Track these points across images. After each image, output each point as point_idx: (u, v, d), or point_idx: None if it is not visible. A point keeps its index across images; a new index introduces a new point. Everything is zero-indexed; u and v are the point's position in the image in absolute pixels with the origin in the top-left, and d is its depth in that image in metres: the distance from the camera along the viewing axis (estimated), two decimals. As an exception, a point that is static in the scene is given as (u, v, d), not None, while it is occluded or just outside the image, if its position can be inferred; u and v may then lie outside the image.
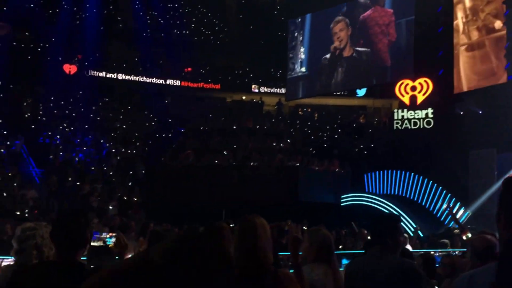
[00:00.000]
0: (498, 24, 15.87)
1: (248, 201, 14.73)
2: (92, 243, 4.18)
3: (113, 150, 18.69)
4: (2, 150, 16.50)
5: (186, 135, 19.98)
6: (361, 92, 24.80)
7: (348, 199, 17.25)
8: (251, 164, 16.92)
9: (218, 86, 25.07)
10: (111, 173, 17.15)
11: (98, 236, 4.44)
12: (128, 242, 3.54)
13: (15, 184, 14.58)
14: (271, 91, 25.69)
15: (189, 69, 24.60)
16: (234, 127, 20.95)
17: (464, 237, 6.24)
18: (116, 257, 3.59)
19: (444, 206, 15.84)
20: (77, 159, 17.68)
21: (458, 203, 15.78)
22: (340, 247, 11.91)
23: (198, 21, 24.68)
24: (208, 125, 20.98)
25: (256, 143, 19.22)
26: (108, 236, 4.42)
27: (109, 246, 3.87)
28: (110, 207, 14.38)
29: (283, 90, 24.10)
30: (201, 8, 24.56)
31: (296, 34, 22.06)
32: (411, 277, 3.01)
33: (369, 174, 18.12)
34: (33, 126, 18.85)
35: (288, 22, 22.44)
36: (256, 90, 25.57)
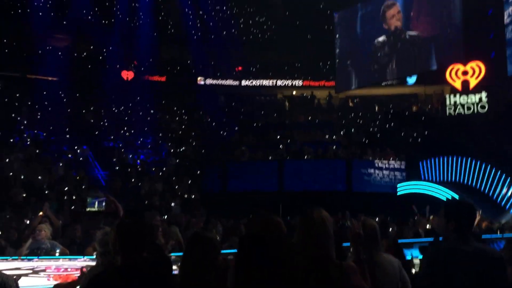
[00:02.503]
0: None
1: (304, 193, 15.15)
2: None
3: (172, 150, 19.48)
4: (69, 156, 17.58)
5: (240, 132, 20.56)
6: (411, 80, 24.56)
7: (404, 187, 17.25)
8: (305, 157, 17.28)
9: (268, 83, 25.58)
10: (170, 172, 17.90)
11: None
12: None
13: (83, 187, 15.53)
14: (321, 84, 25.90)
15: (240, 67, 25.19)
16: (287, 122, 21.33)
17: None
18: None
19: (504, 190, 15.59)
20: (138, 160, 18.55)
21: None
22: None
23: (246, 21, 25.19)
24: (262, 121, 21.47)
25: (309, 136, 19.55)
26: None
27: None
28: (173, 205, 15.11)
29: (332, 83, 24.27)
30: (248, 7, 25.05)
31: (343, 25, 22.14)
32: (498, 265, 3.06)
33: (424, 162, 18.02)
34: (96, 132, 19.90)
35: (334, 14, 22.53)
36: (306, 84, 25.86)
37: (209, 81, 24.24)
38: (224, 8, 24.00)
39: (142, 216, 3.87)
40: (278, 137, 19.63)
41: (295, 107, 23.79)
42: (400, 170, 17.41)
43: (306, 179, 16.44)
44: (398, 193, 16.97)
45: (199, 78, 24.17)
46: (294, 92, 26.15)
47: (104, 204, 3.58)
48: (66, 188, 15.03)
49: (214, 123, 21.41)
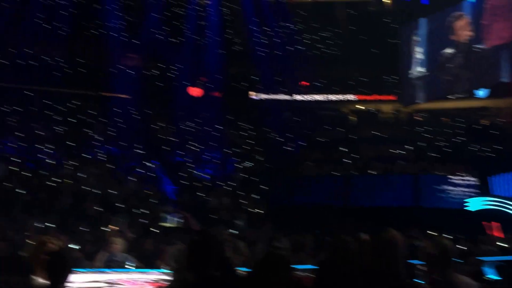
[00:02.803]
0: None
1: (371, 209, 14.97)
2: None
3: (238, 165, 19.79)
4: (141, 171, 18.27)
5: (306, 147, 20.63)
6: (482, 92, 23.70)
7: (475, 203, 16.67)
8: (372, 172, 17.08)
9: (333, 97, 25.53)
10: (237, 187, 18.18)
11: None
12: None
13: (154, 202, 16.08)
14: (387, 98, 25.52)
15: (305, 82, 25.30)
16: (352, 137, 21.17)
17: None
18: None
19: None
20: (206, 175, 18.97)
21: None
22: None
23: (311, 36, 25.31)
24: (327, 136, 21.43)
25: (375, 151, 19.30)
26: None
27: None
28: (239, 220, 15.33)
29: (397, 97, 23.89)
30: (313, 23, 25.17)
31: (409, 38, 21.79)
32: None
33: (497, 177, 17.35)
34: (166, 147, 20.56)
35: (401, 27, 22.23)
36: (371, 98, 25.57)
37: (274, 97, 24.50)
38: (289, 24, 24.23)
39: (212, 232, 3.96)
40: (344, 152, 19.51)
41: (361, 122, 23.56)
42: (472, 186, 16.84)
43: (373, 194, 16.25)
44: (470, 209, 16.42)
45: (264, 94, 24.49)
46: (359, 107, 25.89)
47: (178, 219, 3.74)
48: (138, 203, 15.62)
49: (279, 138, 21.56)
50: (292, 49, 24.32)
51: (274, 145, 21.36)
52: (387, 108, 25.06)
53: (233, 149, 21.00)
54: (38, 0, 20.95)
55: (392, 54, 23.25)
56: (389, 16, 25.33)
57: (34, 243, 4.30)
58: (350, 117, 24.77)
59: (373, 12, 25.72)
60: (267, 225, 14.98)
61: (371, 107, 25.49)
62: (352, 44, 24.74)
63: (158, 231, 13.00)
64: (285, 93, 24.51)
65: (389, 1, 25.61)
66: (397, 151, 19.09)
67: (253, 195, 17.42)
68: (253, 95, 24.72)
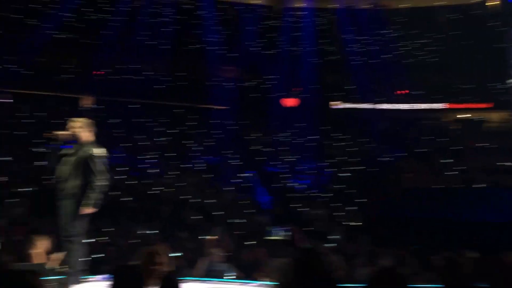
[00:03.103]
0: None
1: (480, 224, 14.12)
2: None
3: (333, 176, 19.50)
4: (236, 181, 18.56)
5: (405, 157, 19.93)
6: None
7: None
8: (477, 185, 16.13)
9: (433, 106, 24.47)
10: (332, 198, 17.89)
11: None
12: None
13: (248, 211, 16.22)
14: (491, 106, 24.07)
15: (403, 91, 24.50)
16: (456, 147, 20.15)
17: None
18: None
19: None
20: (301, 186, 18.88)
21: None
22: None
23: (409, 43, 24.49)
24: (428, 146, 20.57)
25: (481, 162, 18.23)
26: None
27: None
28: (334, 233, 15.02)
29: (504, 105, 22.45)
30: (411, 30, 24.36)
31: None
32: None
33: None
34: (262, 158, 20.76)
35: (508, 31, 20.92)
36: (474, 107, 24.23)
37: (371, 106, 23.94)
38: (386, 31, 23.63)
39: (318, 249, 3.89)
40: (446, 163, 18.59)
41: (464, 131, 22.37)
42: None
43: (480, 208, 15.31)
44: None
45: (361, 103, 24.03)
46: (461, 115, 24.62)
47: (285, 233, 3.70)
48: (234, 212, 15.84)
49: (376, 148, 21.03)
50: (389, 56, 23.67)
51: (371, 156, 20.87)
52: (494, 116, 23.62)
53: (328, 159, 20.77)
54: (141, 19, 22.07)
55: (497, 60, 21.91)
56: (494, 19, 23.95)
57: (144, 253, 4.42)
58: (453, 126, 23.62)
59: (477, 16, 24.44)
60: (364, 238, 14.56)
61: (476, 116, 24.14)
62: (454, 50, 23.65)
63: (255, 242, 13.07)
64: (382, 102, 23.87)
65: (494, 4, 24.23)
66: (506, 163, 17.89)
67: (349, 207, 17.05)
68: (337, 104, 24.31)
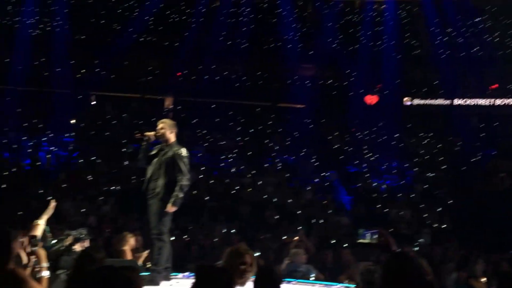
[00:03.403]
0: None
1: None
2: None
3: (419, 176, 18.73)
4: (316, 180, 18.26)
5: (498, 156, 18.78)
6: None
7: None
8: None
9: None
10: (418, 199, 17.17)
11: None
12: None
13: (329, 212, 15.90)
14: None
15: (495, 85, 23.03)
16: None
17: None
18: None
19: None
20: (383, 186, 18.27)
21: None
22: None
23: (502, 34, 22.97)
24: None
25: None
26: None
27: None
28: (421, 236, 14.36)
29: None
30: (504, 20, 22.84)
31: None
32: None
33: None
34: (341, 157, 20.33)
35: None
36: None
37: (458, 102, 22.70)
38: (475, 23, 22.31)
39: (410, 254, 3.63)
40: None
41: None
42: None
43: None
44: None
45: (447, 99, 22.86)
46: None
47: (375, 236, 3.47)
48: (314, 213, 15.58)
49: (465, 147, 19.96)
50: (479, 49, 22.37)
51: (460, 154, 19.83)
52: None
53: (412, 158, 19.99)
54: (219, 19, 22.33)
55: None
56: None
57: (229, 252, 4.34)
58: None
59: None
60: (453, 242, 13.81)
61: None
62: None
63: (336, 244, 12.76)
64: (471, 98, 22.58)
65: None
66: None
67: (436, 208, 16.26)
68: (408, 100, 23.20)
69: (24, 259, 4.39)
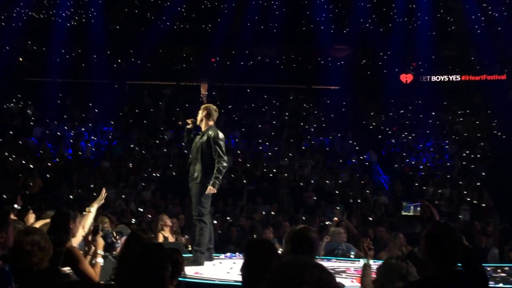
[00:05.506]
0: None
1: None
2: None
3: (456, 153, 18.50)
4: (353, 161, 18.26)
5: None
6: None
7: None
8: None
9: None
10: (456, 176, 16.99)
11: None
12: None
13: (367, 191, 15.91)
14: None
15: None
16: None
17: None
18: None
19: None
20: (421, 165, 18.11)
21: None
22: None
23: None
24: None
25: None
26: None
27: None
28: (461, 214, 14.27)
29: None
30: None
31: None
32: None
33: None
34: (378, 137, 20.23)
35: None
36: None
37: (496, 77, 22.21)
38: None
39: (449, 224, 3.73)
40: None
41: None
42: None
43: None
44: None
45: (484, 75, 22.38)
46: None
47: (419, 209, 3.56)
48: (352, 193, 15.64)
49: (504, 124, 19.57)
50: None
51: (499, 131, 19.45)
52: None
53: (450, 136, 19.74)
54: (251, 4, 22.36)
55: None
56: None
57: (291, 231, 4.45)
58: None
59: None
60: (493, 218, 13.69)
61: None
62: None
63: (376, 221, 12.83)
64: (508, 74, 22.02)
65: None
66: None
67: (475, 185, 16.08)
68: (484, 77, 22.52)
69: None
